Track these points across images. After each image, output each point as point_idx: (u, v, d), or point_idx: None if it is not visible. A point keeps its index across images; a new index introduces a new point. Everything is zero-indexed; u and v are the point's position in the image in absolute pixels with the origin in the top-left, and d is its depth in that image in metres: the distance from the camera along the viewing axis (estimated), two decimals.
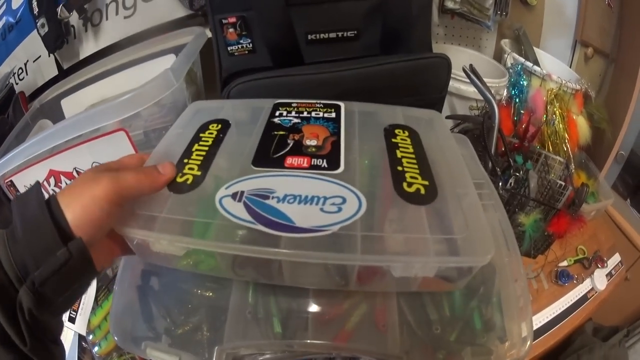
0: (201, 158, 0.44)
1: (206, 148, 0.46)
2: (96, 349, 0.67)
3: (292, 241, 0.36)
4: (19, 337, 0.31)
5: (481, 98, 0.75)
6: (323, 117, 0.51)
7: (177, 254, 0.40)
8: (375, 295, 0.47)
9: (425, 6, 0.70)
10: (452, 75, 0.82)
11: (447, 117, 0.83)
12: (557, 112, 0.92)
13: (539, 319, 0.74)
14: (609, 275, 0.87)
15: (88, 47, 0.93)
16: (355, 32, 0.67)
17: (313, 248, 0.35)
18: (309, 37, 0.68)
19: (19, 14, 0.94)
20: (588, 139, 0.95)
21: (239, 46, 0.71)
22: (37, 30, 0.86)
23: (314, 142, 0.46)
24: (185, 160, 0.44)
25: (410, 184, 0.42)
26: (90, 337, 0.67)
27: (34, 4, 0.85)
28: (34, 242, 0.32)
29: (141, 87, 0.64)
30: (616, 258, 0.92)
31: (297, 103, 0.55)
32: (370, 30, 0.67)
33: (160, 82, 0.65)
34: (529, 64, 0.94)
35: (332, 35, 0.68)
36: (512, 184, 0.74)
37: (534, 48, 1.07)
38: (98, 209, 0.33)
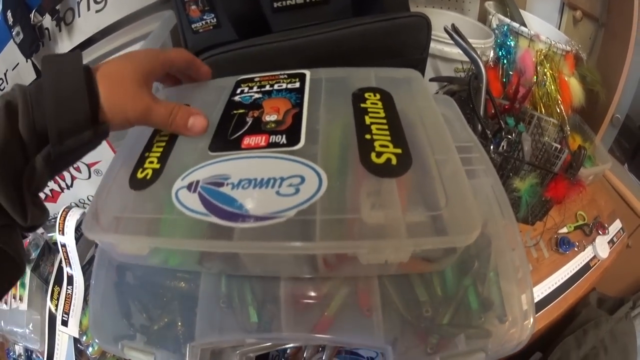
0: (161, 150, 0.40)
1: (166, 138, 0.42)
2: (90, 349, 0.65)
3: (245, 232, 0.32)
4: (19, 212, 0.29)
5: (467, 59, 0.70)
6: (286, 89, 0.46)
7: (142, 253, 0.38)
8: (357, 276, 0.42)
9: None
10: (434, 37, 0.79)
11: (431, 80, 0.78)
12: (547, 73, 0.88)
13: (541, 290, 0.70)
14: (611, 242, 0.83)
15: (63, 46, 0.92)
16: None
17: (267, 238, 0.32)
18: (275, 4, 0.63)
19: None
20: (582, 100, 0.92)
21: (203, 22, 0.68)
22: (13, 39, 0.86)
23: (273, 117, 0.42)
24: (146, 154, 0.40)
25: (379, 154, 0.37)
26: (84, 338, 0.65)
27: (9, 14, 0.84)
28: (64, 114, 0.30)
29: None
30: (617, 225, 0.88)
31: (259, 77, 0.50)
32: None
33: None
34: (516, 24, 0.89)
35: (300, 0, 0.63)
36: (504, 147, 0.69)
37: (520, 10, 1.02)
38: (123, 120, 0.35)
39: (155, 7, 0.89)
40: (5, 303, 0.71)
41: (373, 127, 0.40)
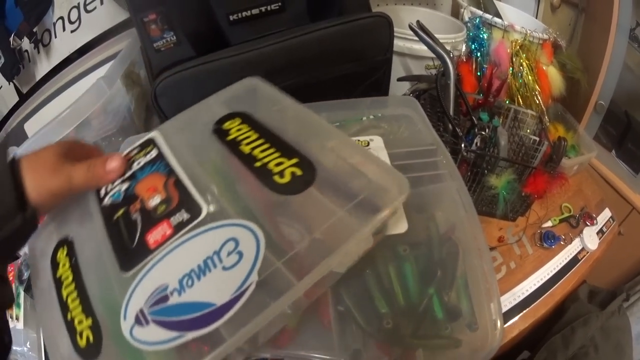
0: (77, 302, 0.35)
1: (72, 287, 0.36)
2: None
3: (231, 323, 0.29)
4: None
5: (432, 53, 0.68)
6: (148, 163, 0.41)
7: None
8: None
9: None
10: (403, 36, 0.78)
11: (399, 79, 0.77)
12: (524, 63, 0.86)
13: (526, 287, 0.68)
14: (600, 232, 0.80)
15: (42, 68, 0.93)
16: (280, 3, 0.61)
17: (252, 315, 0.29)
18: (231, 17, 0.63)
19: None
20: (562, 89, 0.90)
21: (164, 41, 0.68)
22: None
23: (158, 199, 0.37)
24: (69, 317, 0.35)
25: (281, 174, 0.35)
26: None
27: None
28: None
29: (75, 101, 0.66)
30: (606, 214, 0.85)
31: None
32: None
33: (93, 93, 0.67)
34: (488, 15, 0.88)
35: (255, 11, 0.63)
36: (477, 144, 0.67)
37: (495, 1, 1.00)
38: (52, 195, 0.36)
39: (126, 25, 0.91)
40: None
41: (255, 152, 0.38)
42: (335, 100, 0.55)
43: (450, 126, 0.65)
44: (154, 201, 0.37)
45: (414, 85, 0.74)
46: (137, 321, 0.30)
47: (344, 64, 0.62)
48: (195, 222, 0.34)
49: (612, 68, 0.96)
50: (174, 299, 0.30)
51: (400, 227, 0.40)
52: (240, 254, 0.31)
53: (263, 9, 0.62)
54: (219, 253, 0.31)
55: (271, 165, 0.36)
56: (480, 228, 0.44)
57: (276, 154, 0.36)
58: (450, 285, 0.43)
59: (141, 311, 0.30)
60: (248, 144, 0.39)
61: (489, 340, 0.38)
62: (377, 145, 0.54)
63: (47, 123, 0.66)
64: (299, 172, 0.35)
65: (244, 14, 0.63)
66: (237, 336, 0.28)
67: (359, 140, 0.54)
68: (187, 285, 0.30)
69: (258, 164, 0.36)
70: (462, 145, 0.63)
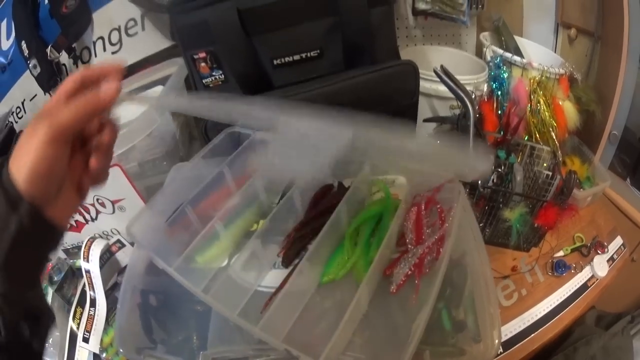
0: None
1: None
2: None
3: None
4: None
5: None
6: None
7: None
8: None
9: (385, 15, 0.71)
10: (429, 77, 0.84)
11: (425, 120, 0.83)
12: (541, 100, 0.91)
13: (535, 313, 0.73)
14: (611, 260, 0.85)
15: None
16: (318, 51, 0.69)
17: None
18: (275, 62, 0.70)
19: (10, 55, 0.98)
20: (577, 123, 0.94)
21: (212, 78, 0.75)
22: (30, 71, 0.90)
23: None
24: None
25: None
26: (104, 354, 0.71)
27: (24, 46, 0.88)
28: None
29: (128, 126, 0.69)
30: (618, 241, 0.90)
31: None
32: (333, 48, 0.69)
33: (144, 120, 0.70)
34: (508, 54, 0.93)
35: (297, 57, 0.70)
36: (494, 180, 0.73)
37: (516, 37, 1.06)
38: (43, 159, 0.30)
39: (169, 52, 0.97)
40: None
41: None
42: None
43: None
44: None
45: (439, 126, 0.80)
46: None
47: (375, 108, 0.68)
48: None
49: (625, 96, 0.99)
50: None
51: None
52: None
53: (304, 55, 0.70)
54: None
55: None
56: (487, 257, 0.51)
57: None
58: (458, 302, 0.50)
59: None
60: None
61: (488, 353, 0.44)
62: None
63: None
64: None
65: (286, 59, 0.70)
66: None
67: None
68: None
69: None
70: (479, 182, 0.70)
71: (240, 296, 0.51)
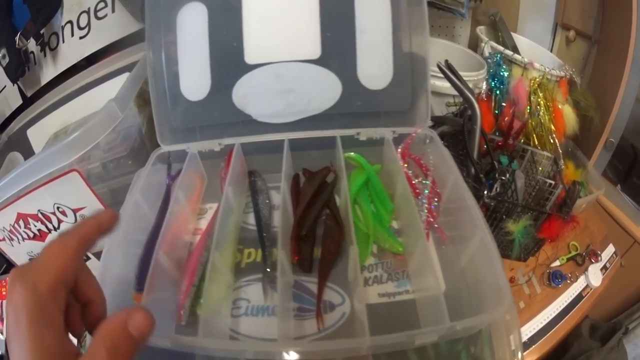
0: None
1: None
2: None
3: None
4: None
5: (458, 93, 0.70)
6: None
7: None
8: None
9: None
10: None
11: None
12: (541, 102, 0.87)
13: (533, 326, 0.71)
14: (604, 269, 0.84)
15: (48, 72, 0.91)
16: None
17: None
18: None
19: None
20: (575, 128, 0.91)
21: None
22: None
23: None
24: None
25: None
26: None
27: None
28: None
29: (87, 124, 0.60)
30: (610, 249, 0.88)
31: None
32: None
33: (105, 116, 0.61)
34: (509, 52, 0.89)
35: None
36: (497, 190, 0.69)
37: (512, 33, 1.02)
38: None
39: (139, 37, 0.89)
40: None
41: None
42: None
43: (473, 171, 0.67)
44: None
45: (439, 128, 0.74)
46: None
47: None
48: None
49: (625, 104, 0.97)
50: None
51: None
52: None
53: None
54: None
55: None
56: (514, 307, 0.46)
57: None
58: (475, 339, 0.46)
59: None
60: None
61: None
62: None
63: (54, 147, 0.58)
64: None
65: None
66: None
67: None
68: None
69: None
70: (484, 192, 0.65)
71: None
